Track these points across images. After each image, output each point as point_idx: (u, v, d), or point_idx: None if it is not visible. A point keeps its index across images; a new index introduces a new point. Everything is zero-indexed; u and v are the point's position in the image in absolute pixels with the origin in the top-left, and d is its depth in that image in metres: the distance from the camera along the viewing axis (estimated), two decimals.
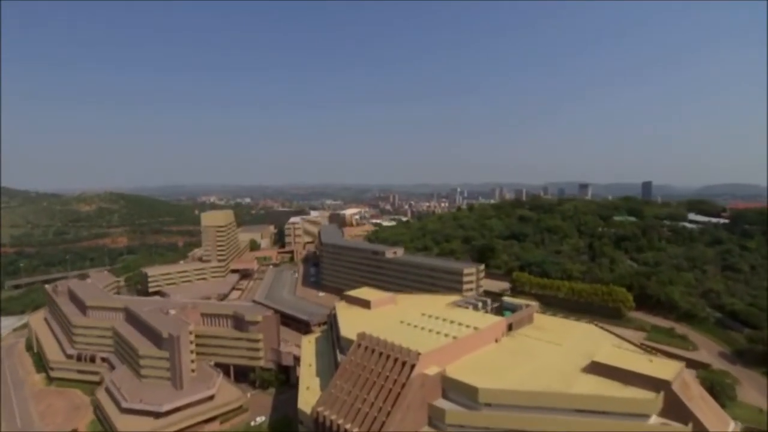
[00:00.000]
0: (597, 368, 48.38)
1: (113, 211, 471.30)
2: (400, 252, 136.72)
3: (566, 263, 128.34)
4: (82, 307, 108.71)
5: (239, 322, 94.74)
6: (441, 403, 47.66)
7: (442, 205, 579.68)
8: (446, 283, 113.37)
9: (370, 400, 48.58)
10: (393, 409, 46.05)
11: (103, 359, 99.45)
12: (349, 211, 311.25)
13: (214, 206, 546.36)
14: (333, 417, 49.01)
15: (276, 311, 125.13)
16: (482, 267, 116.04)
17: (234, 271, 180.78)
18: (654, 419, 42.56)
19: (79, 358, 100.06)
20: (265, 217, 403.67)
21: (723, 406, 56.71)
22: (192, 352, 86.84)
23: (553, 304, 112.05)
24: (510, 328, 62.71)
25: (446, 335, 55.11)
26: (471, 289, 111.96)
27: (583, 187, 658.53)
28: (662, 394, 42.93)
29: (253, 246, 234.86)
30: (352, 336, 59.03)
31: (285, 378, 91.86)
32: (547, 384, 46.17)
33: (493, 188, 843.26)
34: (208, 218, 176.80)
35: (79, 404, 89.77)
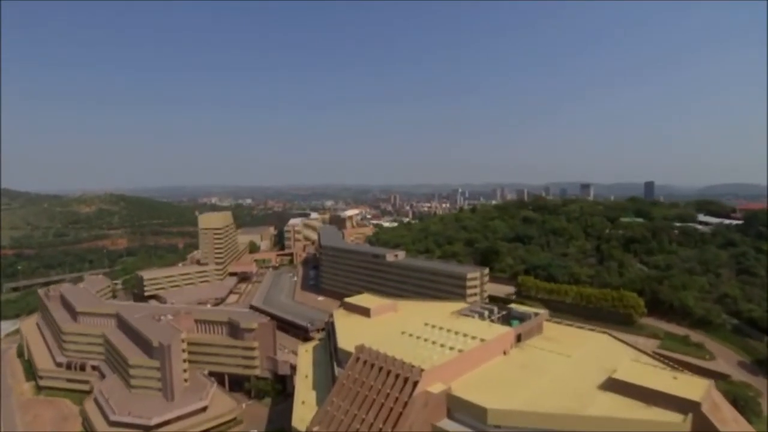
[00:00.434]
0: (615, 386, 44.35)
1: (113, 213, 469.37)
2: (401, 255, 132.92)
3: (573, 266, 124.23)
4: (73, 313, 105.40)
5: (234, 330, 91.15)
6: (446, 424, 43.78)
7: (444, 206, 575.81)
8: (449, 288, 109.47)
9: (369, 420, 44.73)
10: (394, 430, 42.19)
11: (94, 367, 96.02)
12: (349, 212, 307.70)
13: (214, 207, 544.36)
14: None
15: (274, 316, 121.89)
16: (486, 271, 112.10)
17: (232, 274, 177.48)
18: None
19: (68, 367, 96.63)
20: (266, 219, 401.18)
21: (749, 422, 52.55)
22: (184, 361, 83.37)
23: (561, 310, 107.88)
24: (519, 338, 58.73)
25: (451, 348, 51.15)
26: (475, 294, 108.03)
27: (585, 187, 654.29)
28: (690, 416, 38.87)
29: (253, 248, 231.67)
30: (350, 348, 55.20)
31: (282, 387, 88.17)
32: (561, 403, 42.20)
33: (494, 188, 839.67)
34: (206, 220, 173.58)
35: (68, 415, 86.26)
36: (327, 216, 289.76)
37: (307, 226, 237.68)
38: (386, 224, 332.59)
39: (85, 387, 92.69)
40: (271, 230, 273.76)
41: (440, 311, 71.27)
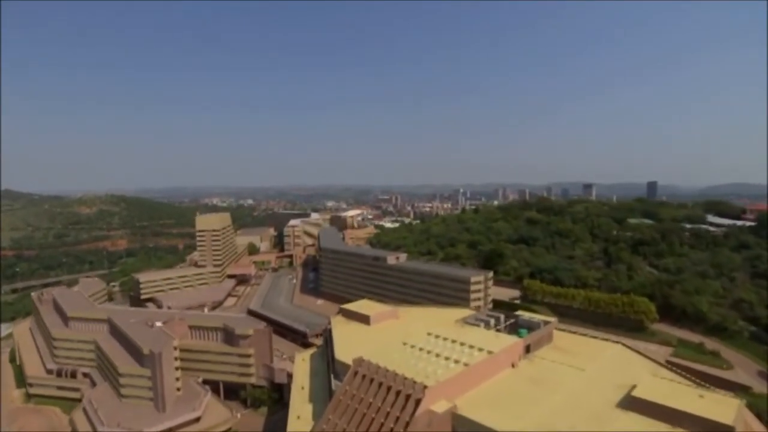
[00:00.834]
0: (637, 404, 40.64)
1: (114, 214, 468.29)
2: (402, 258, 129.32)
3: (580, 270, 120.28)
4: (65, 318, 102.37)
5: (229, 336, 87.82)
6: None
7: (445, 206, 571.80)
8: (452, 292, 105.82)
9: None
10: None
11: (85, 374, 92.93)
12: (350, 213, 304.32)
13: (215, 208, 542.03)
14: None
15: (271, 321, 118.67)
16: (490, 274, 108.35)
17: (231, 276, 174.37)
18: None
19: (59, 374, 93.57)
20: (266, 220, 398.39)
21: None
22: (177, 369, 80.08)
23: (568, 315, 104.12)
24: (528, 349, 55.09)
25: (456, 361, 47.50)
26: (479, 299, 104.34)
27: (587, 187, 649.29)
28: None
29: (252, 250, 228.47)
30: (349, 359, 51.71)
31: (278, 396, 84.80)
32: (577, 424, 38.57)
33: (495, 188, 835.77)
34: (203, 222, 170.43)
35: (57, 424, 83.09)
36: (327, 217, 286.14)
37: (307, 227, 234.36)
38: (388, 225, 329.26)
39: (76, 395, 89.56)
40: (271, 231, 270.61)
41: (443, 319, 67.72)
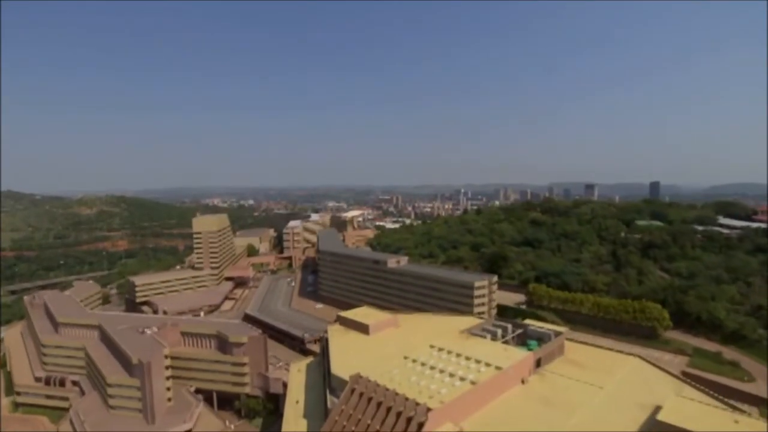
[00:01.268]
0: (664, 430, 36.67)
1: (114, 214, 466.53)
2: (403, 261, 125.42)
3: (588, 274, 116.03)
4: (55, 324, 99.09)
5: (223, 343, 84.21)
6: None
7: (446, 207, 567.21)
8: (455, 297, 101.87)
9: None
10: None
11: (74, 383, 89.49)
12: (350, 214, 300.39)
13: (216, 208, 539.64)
14: None
15: (268, 326, 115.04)
16: (495, 279, 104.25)
17: (228, 278, 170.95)
18: None
19: (47, 382, 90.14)
20: (267, 220, 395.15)
21: None
22: (168, 378, 76.56)
23: (576, 321, 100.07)
24: (538, 363, 51.16)
25: (462, 379, 43.70)
26: (483, 304, 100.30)
27: (589, 187, 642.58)
28: None
29: (252, 251, 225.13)
30: (346, 373, 47.99)
31: (274, 407, 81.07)
32: None
33: (496, 189, 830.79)
34: (200, 223, 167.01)
35: None
36: (328, 218, 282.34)
37: (307, 228, 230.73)
38: (389, 225, 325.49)
39: (65, 404, 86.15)
40: (271, 232, 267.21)
41: (446, 328, 63.86)
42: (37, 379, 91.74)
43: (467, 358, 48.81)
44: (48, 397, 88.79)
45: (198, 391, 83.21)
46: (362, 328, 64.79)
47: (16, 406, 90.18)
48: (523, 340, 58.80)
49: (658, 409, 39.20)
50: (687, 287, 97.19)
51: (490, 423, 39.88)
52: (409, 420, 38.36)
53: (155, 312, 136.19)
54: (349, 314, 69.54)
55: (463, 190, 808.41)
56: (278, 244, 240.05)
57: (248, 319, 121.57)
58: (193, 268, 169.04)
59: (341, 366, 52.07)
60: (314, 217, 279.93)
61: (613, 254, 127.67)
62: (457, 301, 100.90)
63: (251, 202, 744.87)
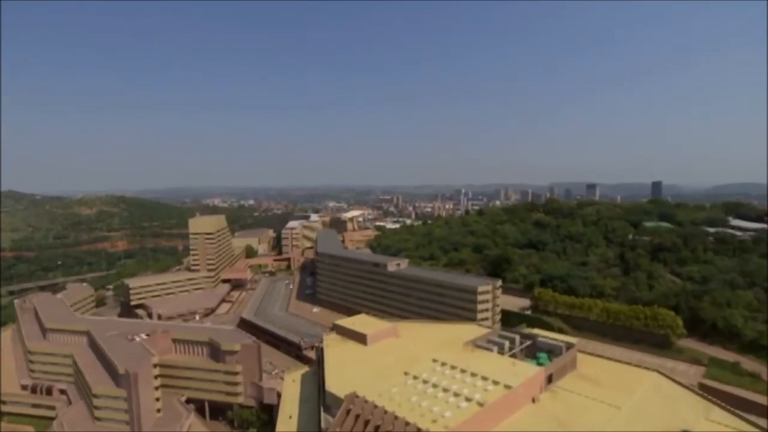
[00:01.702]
0: None
1: (114, 214, 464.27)
2: (404, 264, 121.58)
3: (595, 277, 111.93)
4: (43, 329, 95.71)
5: (215, 351, 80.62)
6: None
7: (447, 207, 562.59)
8: (457, 302, 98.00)
9: None
10: None
11: (62, 391, 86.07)
12: (350, 214, 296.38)
13: (216, 208, 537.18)
14: None
15: (264, 331, 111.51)
16: (499, 283, 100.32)
17: (225, 281, 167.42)
18: None
19: (33, 390, 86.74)
20: (267, 221, 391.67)
21: None
22: (157, 388, 73.09)
23: (584, 328, 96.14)
24: (550, 379, 47.30)
25: (468, 399, 39.91)
26: (487, 310, 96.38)
27: (591, 187, 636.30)
28: None
29: (250, 253, 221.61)
30: (341, 390, 44.30)
31: (268, 418, 77.39)
32: None
33: (497, 189, 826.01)
34: (197, 224, 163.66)
35: None
36: (327, 218, 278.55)
37: (306, 228, 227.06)
38: (389, 226, 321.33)
39: (52, 413, 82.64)
40: (270, 233, 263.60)
41: (449, 338, 60.02)
42: (24, 387, 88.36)
43: (473, 375, 44.99)
44: (34, 406, 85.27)
45: (189, 400, 79.70)
46: (360, 338, 61.03)
47: (2, 414, 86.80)
48: (531, 352, 54.89)
49: None
50: (701, 292, 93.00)
51: None
52: None
53: (149, 315, 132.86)
54: (347, 322, 65.80)
55: (463, 190, 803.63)
56: (277, 245, 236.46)
57: (244, 323, 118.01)
58: (189, 269, 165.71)
59: (337, 381, 48.32)
60: (314, 217, 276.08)
61: (621, 257, 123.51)
62: (459, 307, 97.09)
63: (251, 202, 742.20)
